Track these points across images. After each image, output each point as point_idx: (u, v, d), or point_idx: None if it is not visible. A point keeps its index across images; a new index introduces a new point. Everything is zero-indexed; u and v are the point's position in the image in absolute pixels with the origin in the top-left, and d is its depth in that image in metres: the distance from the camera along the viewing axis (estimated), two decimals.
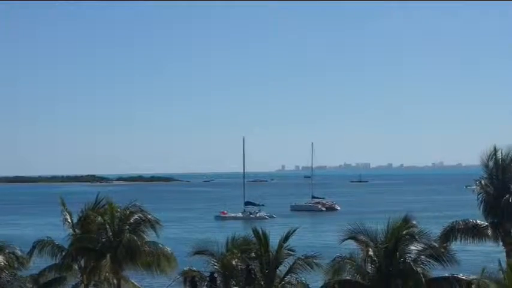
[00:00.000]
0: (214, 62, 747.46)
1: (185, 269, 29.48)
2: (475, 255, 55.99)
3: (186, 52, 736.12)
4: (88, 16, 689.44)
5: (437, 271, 27.37)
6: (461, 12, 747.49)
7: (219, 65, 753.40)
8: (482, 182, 33.57)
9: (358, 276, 26.94)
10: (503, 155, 33.77)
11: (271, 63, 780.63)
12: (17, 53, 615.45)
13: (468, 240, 33.47)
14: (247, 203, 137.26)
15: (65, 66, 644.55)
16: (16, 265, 29.86)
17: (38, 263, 33.00)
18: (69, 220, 32.95)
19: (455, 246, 32.07)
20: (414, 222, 27.53)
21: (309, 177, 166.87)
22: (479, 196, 33.52)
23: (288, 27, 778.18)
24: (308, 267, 28.57)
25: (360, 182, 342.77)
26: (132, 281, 34.11)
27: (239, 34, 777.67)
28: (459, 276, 27.00)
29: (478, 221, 33.65)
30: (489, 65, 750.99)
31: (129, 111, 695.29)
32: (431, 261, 26.88)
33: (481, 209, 33.47)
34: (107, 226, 32.11)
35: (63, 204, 33.24)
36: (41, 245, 32.59)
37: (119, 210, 32.63)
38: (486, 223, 33.33)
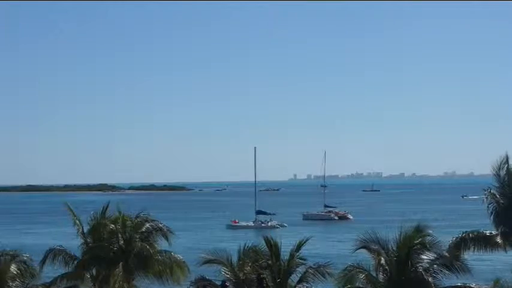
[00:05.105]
0: (221, 67, 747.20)
1: (197, 277, 29.51)
2: (490, 265, 55.80)
3: (187, 54, 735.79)
4: (88, 19, 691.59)
5: (450, 280, 27.33)
6: (472, 12, 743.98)
7: (222, 69, 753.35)
8: (492, 191, 33.44)
9: (369, 285, 26.97)
10: None
11: (276, 68, 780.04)
12: (17, 58, 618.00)
13: (481, 250, 33.37)
14: (258, 212, 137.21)
15: (65, 71, 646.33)
16: (28, 274, 30.02)
17: (51, 271, 33.14)
18: (80, 229, 33.05)
19: (469, 255, 32.01)
20: (429, 231, 27.56)
21: (325, 186, 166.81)
22: (489, 205, 33.39)
23: (290, 29, 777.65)
24: (320, 276, 28.54)
25: (372, 191, 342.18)
26: None
27: (253, 36, 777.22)
28: (471, 286, 26.96)
29: (490, 231, 33.54)
30: (502, 72, 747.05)
31: (130, 117, 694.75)
32: (444, 270, 26.85)
33: (492, 218, 33.33)
34: (119, 234, 32.19)
35: (73, 213, 33.35)
36: (53, 254, 32.72)
37: (129, 219, 32.70)
38: (497, 232, 33.21)
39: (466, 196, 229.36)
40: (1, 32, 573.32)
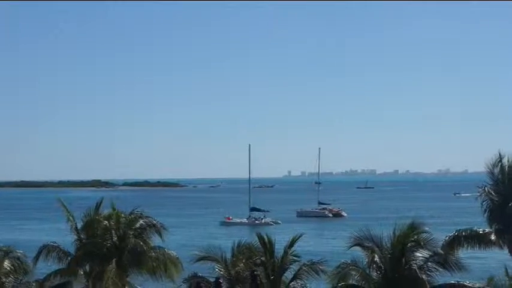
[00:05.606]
0: (218, 66, 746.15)
1: (190, 274, 29.48)
2: (485, 262, 55.84)
3: (187, 55, 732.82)
4: (88, 19, 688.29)
5: (445, 278, 27.36)
6: (467, 14, 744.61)
7: (222, 69, 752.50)
8: (486, 188, 33.45)
9: (363, 282, 26.97)
10: (509, 161, 33.65)
11: (275, 68, 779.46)
12: (17, 58, 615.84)
13: (475, 248, 33.39)
14: (252, 209, 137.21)
15: (65, 71, 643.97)
16: (21, 270, 29.95)
17: (44, 268, 33.07)
18: (74, 225, 32.99)
19: (464, 253, 32.04)
20: (426, 228, 27.59)
21: (319, 183, 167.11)
22: (483, 203, 33.41)
23: (290, 29, 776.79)
24: (314, 273, 28.55)
25: (366, 188, 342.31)
26: (137, 286, 34.11)
27: (245, 35, 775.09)
28: (465, 283, 26.99)
29: (483, 228, 33.58)
30: (496, 69, 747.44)
31: (130, 116, 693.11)
32: (438, 268, 26.88)
33: (486, 216, 33.36)
34: (112, 231, 32.15)
35: (66, 209, 33.29)
36: (46, 250, 32.66)
37: (123, 215, 32.67)
38: (491, 230, 33.24)
39: (458, 194, 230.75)
40: (1, 32, 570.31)
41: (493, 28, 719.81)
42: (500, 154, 33.72)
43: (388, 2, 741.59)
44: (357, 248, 27.68)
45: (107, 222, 32.34)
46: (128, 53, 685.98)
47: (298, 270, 28.52)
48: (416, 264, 26.55)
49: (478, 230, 33.52)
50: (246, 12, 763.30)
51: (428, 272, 26.57)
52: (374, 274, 26.93)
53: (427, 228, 27.63)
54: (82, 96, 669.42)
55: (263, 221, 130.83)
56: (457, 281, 27.27)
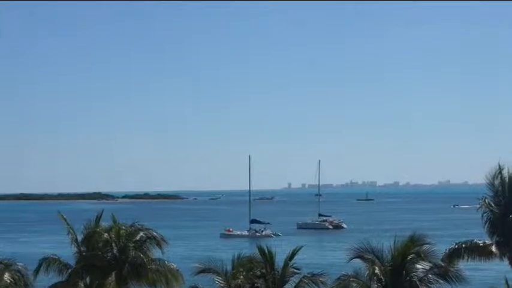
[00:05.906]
0: (217, 75, 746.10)
1: (190, 286, 29.45)
2: (485, 274, 55.74)
3: (187, 60, 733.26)
4: (87, 29, 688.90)
5: None
6: (472, 20, 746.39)
7: (221, 79, 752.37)
8: (487, 200, 33.44)
9: None
10: (509, 173, 33.65)
11: (276, 79, 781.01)
12: (17, 67, 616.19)
13: (475, 259, 33.37)
14: (252, 221, 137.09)
15: (65, 75, 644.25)
16: (22, 283, 29.93)
17: (44, 280, 33.04)
18: (74, 237, 32.99)
19: (464, 264, 32.02)
20: (428, 239, 27.62)
21: (320, 195, 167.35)
22: (483, 215, 33.40)
23: (292, 39, 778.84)
24: (314, 285, 28.53)
25: (367, 200, 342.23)
26: None
27: (242, 48, 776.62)
28: None
29: (483, 240, 33.56)
30: (496, 80, 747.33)
31: (128, 125, 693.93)
32: (439, 279, 26.89)
33: (486, 228, 33.34)
34: (113, 243, 32.15)
35: (66, 222, 33.29)
36: (47, 263, 32.64)
37: (124, 227, 32.69)
38: (492, 242, 33.22)
39: (457, 206, 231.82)
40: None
41: (493, 31, 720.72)
42: (500, 166, 33.72)
43: (389, 7, 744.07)
44: (358, 260, 27.69)
45: (107, 234, 32.33)
46: (125, 58, 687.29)
47: (299, 282, 28.48)
48: (416, 276, 26.57)
49: (478, 241, 33.49)
50: (246, 16, 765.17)
51: (428, 284, 26.59)
52: (375, 286, 26.91)
53: (428, 240, 27.66)
54: (80, 104, 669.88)
55: (263, 233, 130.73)
56: None
